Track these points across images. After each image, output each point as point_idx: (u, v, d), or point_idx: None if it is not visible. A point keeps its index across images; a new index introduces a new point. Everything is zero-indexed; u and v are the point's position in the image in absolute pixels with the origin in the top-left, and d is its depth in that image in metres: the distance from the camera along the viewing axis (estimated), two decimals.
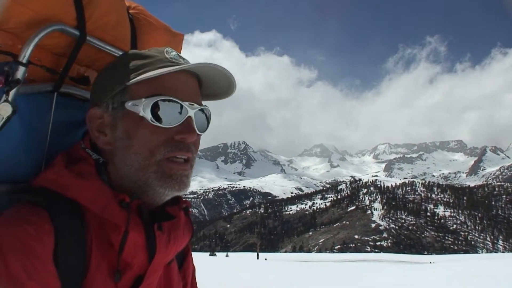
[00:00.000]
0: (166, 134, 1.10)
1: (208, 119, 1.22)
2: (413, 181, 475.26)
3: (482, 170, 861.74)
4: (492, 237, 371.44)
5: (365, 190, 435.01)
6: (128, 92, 1.13)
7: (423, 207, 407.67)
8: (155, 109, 1.09)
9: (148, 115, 1.09)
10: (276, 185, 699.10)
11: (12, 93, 1.11)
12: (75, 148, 1.20)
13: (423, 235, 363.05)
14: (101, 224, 1.07)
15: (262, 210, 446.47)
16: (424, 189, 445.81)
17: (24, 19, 1.14)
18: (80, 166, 1.12)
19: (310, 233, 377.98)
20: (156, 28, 1.55)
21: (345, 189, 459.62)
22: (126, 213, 1.06)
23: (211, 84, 1.24)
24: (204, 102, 1.24)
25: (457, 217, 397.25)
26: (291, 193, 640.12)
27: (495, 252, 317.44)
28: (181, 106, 1.11)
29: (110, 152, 1.15)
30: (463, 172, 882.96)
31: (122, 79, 1.14)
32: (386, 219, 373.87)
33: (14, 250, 0.91)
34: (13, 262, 0.89)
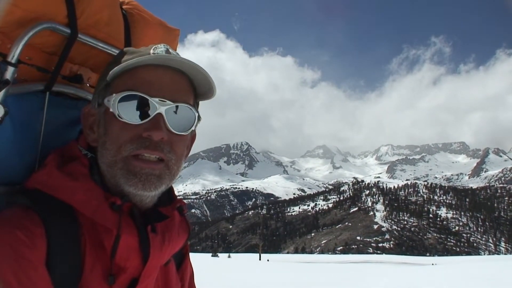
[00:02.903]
0: (134, 131, 1.06)
1: (189, 118, 1.14)
2: (416, 183, 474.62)
3: (485, 172, 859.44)
4: (494, 239, 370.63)
5: (367, 192, 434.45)
6: (110, 87, 1.12)
7: (426, 208, 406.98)
8: (123, 104, 1.07)
9: (115, 111, 1.06)
10: (279, 186, 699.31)
11: (1, 94, 1.09)
12: (69, 146, 1.18)
13: (425, 237, 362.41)
14: (94, 226, 1.05)
15: (264, 211, 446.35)
16: (426, 191, 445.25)
17: (13, 18, 1.11)
18: (72, 166, 1.10)
19: (313, 234, 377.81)
20: (151, 24, 1.51)
21: (347, 191, 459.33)
22: (118, 216, 1.04)
23: (200, 82, 1.17)
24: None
25: (460, 218, 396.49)
26: (294, 194, 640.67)
27: (498, 254, 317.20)
28: (150, 102, 1.06)
29: (97, 149, 1.14)
30: (465, 174, 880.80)
31: (106, 75, 1.12)
32: (388, 220, 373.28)
33: (4, 257, 0.90)
34: (3, 269, 0.88)
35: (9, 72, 1.11)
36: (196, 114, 1.15)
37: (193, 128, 1.16)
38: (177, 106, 1.09)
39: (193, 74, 1.14)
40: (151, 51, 1.11)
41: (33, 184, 1.07)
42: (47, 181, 1.06)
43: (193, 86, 1.18)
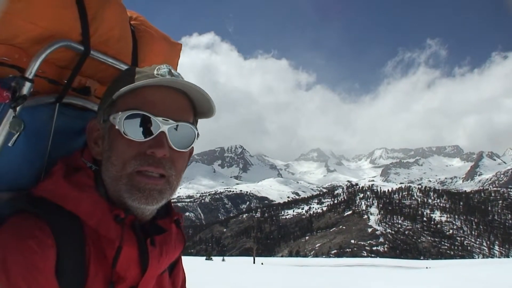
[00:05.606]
0: (139, 148, 1.12)
1: (190, 136, 1.22)
2: (410, 186, 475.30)
3: (479, 175, 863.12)
4: (488, 242, 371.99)
5: (361, 195, 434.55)
6: (115, 105, 1.18)
7: (420, 212, 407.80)
8: (128, 122, 1.12)
9: (121, 129, 1.12)
10: (273, 189, 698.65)
11: (19, 109, 1.15)
12: (74, 157, 1.24)
13: (419, 240, 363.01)
14: (97, 236, 1.10)
15: (258, 215, 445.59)
16: (420, 194, 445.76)
17: (32, 35, 1.19)
18: (79, 177, 1.16)
19: (307, 237, 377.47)
20: (156, 39, 1.58)
21: (341, 194, 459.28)
22: (121, 228, 1.10)
23: (200, 102, 1.25)
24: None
25: (454, 222, 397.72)
26: (288, 197, 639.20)
27: (491, 257, 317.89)
28: (154, 121, 1.12)
29: (101, 163, 1.20)
30: (459, 178, 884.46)
31: (112, 93, 1.19)
32: (382, 224, 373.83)
33: (17, 265, 0.94)
34: (15, 277, 0.93)
35: (26, 88, 1.17)
36: (196, 132, 1.23)
37: (193, 145, 1.24)
38: (178, 125, 1.16)
39: (194, 95, 1.21)
40: (155, 72, 1.18)
41: (41, 192, 1.11)
42: (55, 190, 1.11)
43: (193, 104, 1.25)
